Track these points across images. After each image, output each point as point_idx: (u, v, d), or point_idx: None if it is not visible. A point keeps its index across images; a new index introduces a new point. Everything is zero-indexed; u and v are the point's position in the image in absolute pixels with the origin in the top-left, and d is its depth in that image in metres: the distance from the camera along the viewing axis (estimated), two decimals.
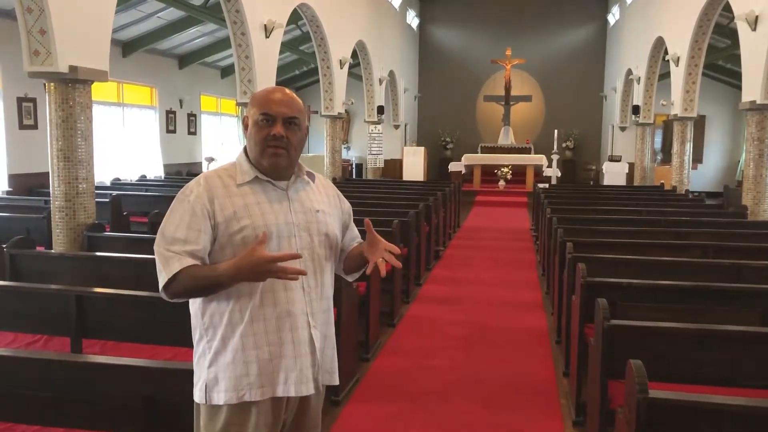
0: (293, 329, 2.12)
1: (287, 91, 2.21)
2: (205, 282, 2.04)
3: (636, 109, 16.74)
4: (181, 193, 2.15)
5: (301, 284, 2.14)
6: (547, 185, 15.01)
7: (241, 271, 1.97)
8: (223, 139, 18.28)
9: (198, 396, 2.15)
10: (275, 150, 2.11)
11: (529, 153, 20.58)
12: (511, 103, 21.70)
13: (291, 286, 2.12)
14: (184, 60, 15.97)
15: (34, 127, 10.85)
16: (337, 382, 2.31)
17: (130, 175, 13.59)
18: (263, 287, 2.09)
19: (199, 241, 2.07)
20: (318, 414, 2.33)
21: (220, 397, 2.09)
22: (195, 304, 2.17)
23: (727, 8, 10.47)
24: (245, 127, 2.19)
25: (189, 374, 2.23)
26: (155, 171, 14.76)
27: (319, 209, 2.24)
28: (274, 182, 2.17)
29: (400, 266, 2.27)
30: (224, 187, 2.13)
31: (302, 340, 2.14)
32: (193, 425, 2.21)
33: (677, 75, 13.20)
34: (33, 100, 10.82)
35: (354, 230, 2.47)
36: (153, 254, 2.10)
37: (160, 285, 2.08)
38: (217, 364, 2.10)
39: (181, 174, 15.14)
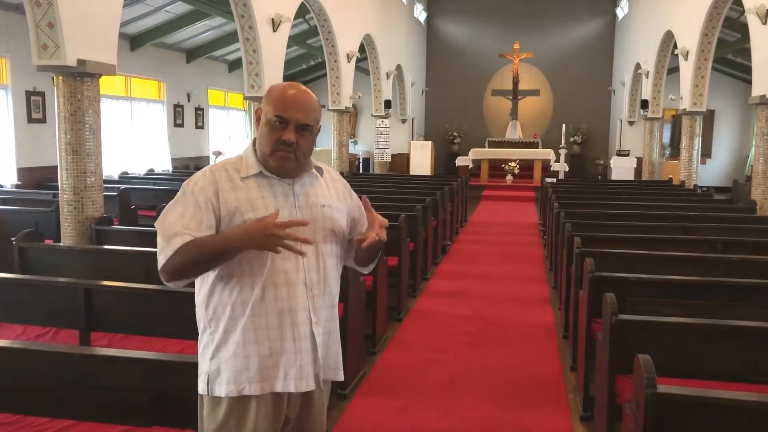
0: (294, 325, 2.12)
1: (303, 89, 2.15)
2: (212, 249, 2.01)
3: (644, 104, 16.65)
4: (186, 184, 2.15)
5: (303, 280, 2.13)
6: (554, 180, 14.94)
7: (248, 234, 1.97)
8: (230, 133, 18.30)
9: (201, 387, 2.16)
10: (284, 154, 2.09)
11: (537, 147, 20.55)
12: (519, 97, 21.65)
13: (293, 282, 2.11)
14: (192, 54, 15.98)
15: (43, 120, 10.90)
16: (341, 377, 2.30)
17: (138, 169, 13.63)
18: (265, 282, 2.09)
19: (199, 230, 2.06)
20: (323, 410, 2.32)
21: (221, 390, 2.10)
22: (200, 296, 2.17)
23: (738, 2, 10.40)
24: (257, 119, 2.16)
25: (197, 367, 2.23)
26: (163, 165, 14.80)
27: (325, 204, 2.22)
28: (279, 178, 2.16)
29: (384, 239, 2.24)
30: (229, 180, 2.12)
31: (303, 336, 2.13)
32: (197, 416, 2.22)
33: (686, 69, 13.11)
34: (41, 94, 10.85)
35: (366, 224, 2.41)
36: None
37: (161, 262, 2.07)
38: (219, 356, 2.11)
39: (189, 168, 15.17)
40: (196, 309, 2.20)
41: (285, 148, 2.08)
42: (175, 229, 2.05)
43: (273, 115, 2.09)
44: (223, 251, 2.02)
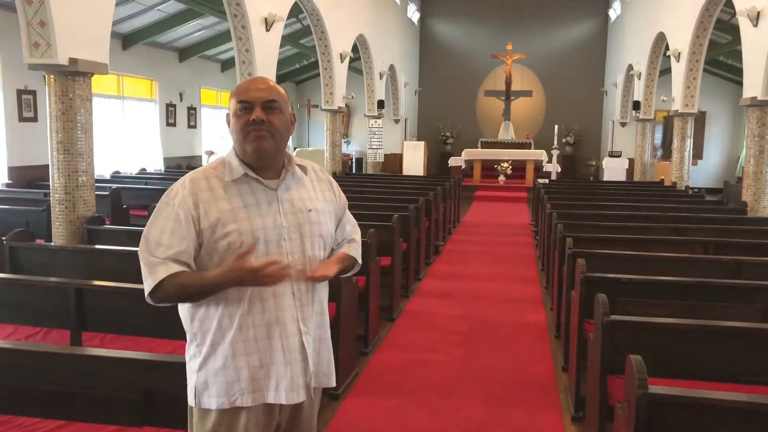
0: (283, 336, 2.07)
1: (264, 78, 2.16)
2: (193, 290, 2.00)
3: (636, 105, 16.71)
4: (165, 195, 2.09)
5: (291, 289, 2.08)
6: (547, 180, 14.99)
7: (226, 279, 1.95)
8: (222, 132, 18.24)
9: (189, 399, 2.12)
10: (257, 133, 2.04)
11: (529, 148, 20.58)
12: (512, 98, 21.69)
13: (280, 293, 2.06)
14: (185, 53, 15.93)
15: (34, 119, 10.83)
16: (333, 383, 2.27)
17: (130, 169, 13.58)
18: (251, 295, 2.04)
19: (182, 246, 2.01)
20: (313, 417, 2.29)
21: (211, 402, 2.06)
22: (183, 309, 2.13)
23: (729, 4, 10.44)
24: (228, 124, 2.12)
25: None
26: (155, 164, 14.74)
27: (311, 208, 2.16)
28: (263, 181, 2.09)
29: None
30: (210, 190, 2.06)
31: (293, 347, 2.09)
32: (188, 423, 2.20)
33: (678, 71, 13.17)
34: (33, 93, 10.79)
35: (346, 227, 2.38)
36: None
37: (146, 290, 2.03)
38: (206, 368, 2.07)
39: (181, 167, 15.11)
40: (182, 321, 2.15)
41: (256, 126, 2.04)
42: (158, 254, 2.01)
43: (237, 104, 2.06)
44: (205, 293, 2.00)
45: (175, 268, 2.00)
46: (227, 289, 1.99)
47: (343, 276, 2.46)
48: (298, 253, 2.11)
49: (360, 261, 2.39)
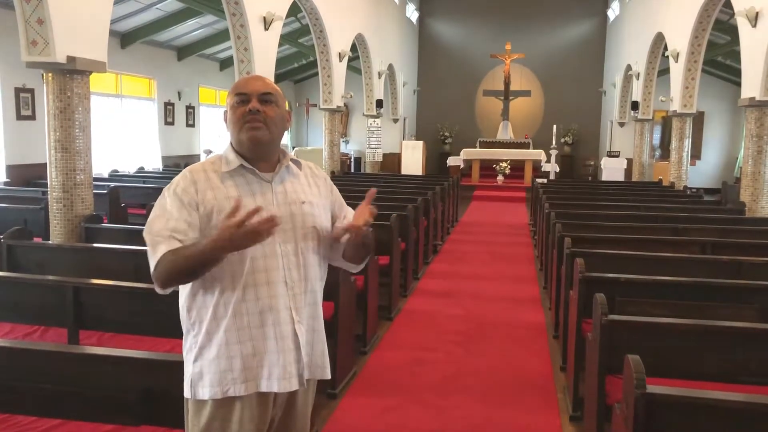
0: (276, 324, 2.10)
1: (261, 75, 2.24)
2: (193, 260, 1.98)
3: (635, 105, 16.73)
4: (167, 188, 2.15)
5: (283, 278, 2.12)
6: (545, 180, 15.00)
7: (220, 241, 1.92)
8: (221, 131, 18.23)
9: (185, 391, 2.15)
10: (253, 124, 2.11)
11: (528, 148, 20.58)
12: (510, 97, 21.70)
13: (273, 281, 2.10)
14: (183, 52, 15.92)
15: (32, 117, 10.81)
16: (328, 376, 2.28)
17: (128, 167, 13.56)
18: (245, 282, 2.07)
19: (188, 232, 2.06)
20: (307, 410, 2.30)
21: (204, 392, 2.09)
22: (182, 298, 2.16)
23: (728, 4, 10.45)
24: (226, 120, 2.19)
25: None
26: (153, 163, 14.73)
27: (305, 200, 2.21)
28: (258, 172, 2.15)
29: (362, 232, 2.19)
30: (207, 180, 2.13)
31: (286, 335, 2.11)
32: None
33: (677, 71, 13.18)
34: (31, 91, 10.77)
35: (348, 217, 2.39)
36: None
37: (151, 270, 2.06)
38: (202, 358, 2.10)
39: (180, 166, 15.07)
40: (180, 312, 2.18)
41: (252, 117, 2.11)
42: (162, 235, 2.05)
43: (234, 97, 2.15)
44: (204, 261, 1.99)
45: (177, 244, 2.04)
46: (226, 253, 1.97)
47: (344, 272, 2.48)
48: (291, 243, 2.15)
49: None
